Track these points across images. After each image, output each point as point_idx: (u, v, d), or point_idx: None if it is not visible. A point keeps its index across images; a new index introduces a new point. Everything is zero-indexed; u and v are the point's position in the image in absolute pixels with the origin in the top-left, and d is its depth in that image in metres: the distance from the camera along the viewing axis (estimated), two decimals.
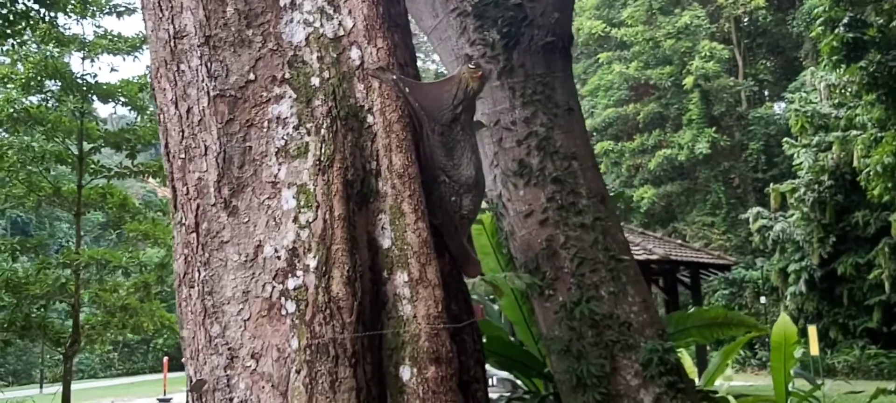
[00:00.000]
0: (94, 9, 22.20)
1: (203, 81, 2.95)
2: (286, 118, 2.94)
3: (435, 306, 2.76)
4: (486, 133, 6.74)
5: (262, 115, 2.95)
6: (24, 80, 20.72)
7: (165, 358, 28.69)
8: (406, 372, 2.73)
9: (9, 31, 14.27)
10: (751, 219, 27.49)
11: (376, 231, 2.91)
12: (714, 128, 32.88)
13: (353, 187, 2.88)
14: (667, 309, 18.56)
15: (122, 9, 22.57)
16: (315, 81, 2.97)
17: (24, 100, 20.85)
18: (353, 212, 2.86)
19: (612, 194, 7.90)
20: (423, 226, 2.82)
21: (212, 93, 2.94)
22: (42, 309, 21.04)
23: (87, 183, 21.92)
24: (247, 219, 2.90)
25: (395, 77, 2.93)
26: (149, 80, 23.95)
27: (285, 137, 2.93)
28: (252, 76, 2.97)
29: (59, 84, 21.86)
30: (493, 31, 6.76)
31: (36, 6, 15.00)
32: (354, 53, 3.02)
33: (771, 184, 28.12)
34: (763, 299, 28.18)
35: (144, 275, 22.48)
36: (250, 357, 2.83)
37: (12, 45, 18.05)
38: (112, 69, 30.66)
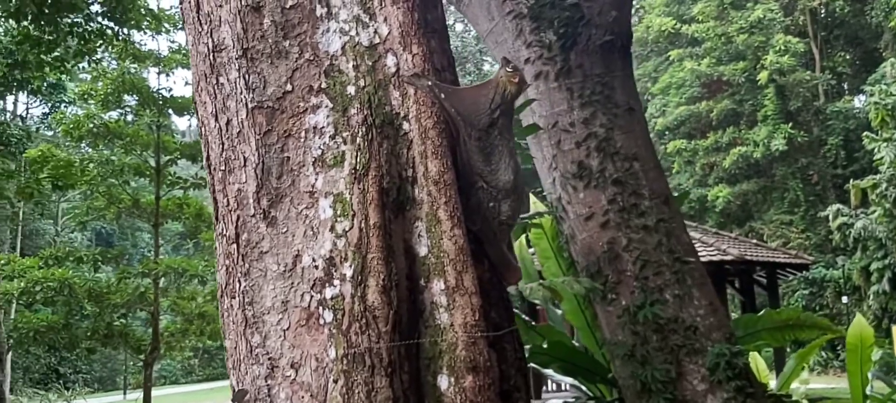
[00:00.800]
0: (168, 25, 22.82)
1: (241, 93, 2.98)
2: (323, 127, 2.95)
3: (472, 314, 2.72)
4: (544, 135, 6.68)
5: (299, 126, 2.96)
6: (103, 97, 21.41)
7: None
8: (444, 382, 2.71)
9: (85, 50, 14.73)
10: (830, 217, 26.59)
11: (413, 239, 2.89)
12: (790, 124, 31.93)
13: (388, 195, 2.87)
14: (743, 311, 18.09)
15: None
16: (351, 90, 2.97)
17: (103, 115, 21.54)
18: (390, 220, 2.85)
19: (676, 195, 7.73)
20: (460, 233, 2.79)
21: (250, 105, 2.97)
22: (123, 318, 21.66)
23: (165, 194, 22.53)
24: (285, 229, 2.92)
25: (430, 83, 2.90)
26: None
27: (322, 147, 2.93)
28: (289, 87, 2.98)
29: (137, 99, 22.53)
30: (550, 32, 6.70)
31: (111, 24, 15.42)
32: (390, 61, 3.00)
33: (851, 181, 27.18)
34: (845, 299, 27.24)
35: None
36: (290, 367, 2.84)
37: (91, 62, 18.65)
38: (186, 83, 31.34)
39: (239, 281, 2.94)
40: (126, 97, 22.62)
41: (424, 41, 2.97)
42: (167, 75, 23.09)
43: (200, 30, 3.06)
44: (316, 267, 2.85)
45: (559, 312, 7.96)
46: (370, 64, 3.00)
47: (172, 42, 23.44)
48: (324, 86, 2.98)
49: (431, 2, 3.22)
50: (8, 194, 22.39)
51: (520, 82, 3.00)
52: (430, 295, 2.81)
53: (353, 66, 2.99)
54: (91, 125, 20.73)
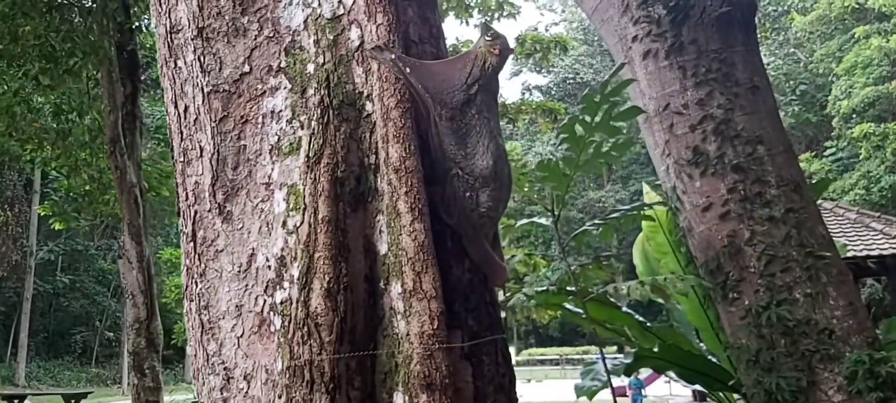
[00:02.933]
0: None
1: (197, 77, 2.72)
2: (280, 111, 2.64)
3: (430, 322, 2.33)
4: (655, 119, 6.09)
5: (256, 110, 2.67)
6: None
7: None
8: (399, 400, 2.34)
9: None
10: None
11: (375, 235, 2.53)
12: None
13: (344, 185, 2.52)
14: None
15: None
16: (310, 68, 2.64)
17: None
18: (345, 214, 2.50)
19: (813, 182, 6.90)
20: (421, 228, 2.40)
21: (206, 90, 2.70)
22: None
23: None
24: (241, 225, 2.64)
25: (393, 56, 2.53)
26: None
27: (279, 133, 2.63)
28: (246, 67, 2.70)
29: None
30: (658, 5, 6.11)
31: None
32: (354, 33, 2.65)
33: None
34: None
35: None
36: (243, 378, 2.56)
37: None
38: None
39: (196, 282, 2.69)
40: None
41: (391, 9, 2.59)
42: None
43: (159, 10, 2.83)
44: (269, 267, 2.56)
45: (682, 308, 7.34)
46: (331, 38, 2.66)
47: None
48: (283, 65, 2.67)
49: None
50: None
51: (501, 53, 2.57)
52: (390, 300, 2.45)
53: (314, 41, 2.66)
54: None
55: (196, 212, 2.70)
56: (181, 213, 2.78)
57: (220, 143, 2.67)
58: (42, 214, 22.79)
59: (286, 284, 2.48)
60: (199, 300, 2.66)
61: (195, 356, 2.70)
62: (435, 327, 2.33)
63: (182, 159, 2.76)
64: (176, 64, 2.77)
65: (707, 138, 5.81)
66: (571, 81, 54.56)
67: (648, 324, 7.07)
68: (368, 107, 2.59)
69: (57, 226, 17.93)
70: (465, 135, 2.54)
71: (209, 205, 2.67)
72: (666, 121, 6.05)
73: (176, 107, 2.78)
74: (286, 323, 2.44)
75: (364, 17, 2.60)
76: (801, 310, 5.32)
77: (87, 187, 15.12)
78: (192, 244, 2.71)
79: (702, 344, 7.08)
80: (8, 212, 35.49)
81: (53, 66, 11.04)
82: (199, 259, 2.68)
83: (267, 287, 2.54)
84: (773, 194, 5.60)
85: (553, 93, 53.31)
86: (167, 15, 2.79)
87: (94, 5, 11.49)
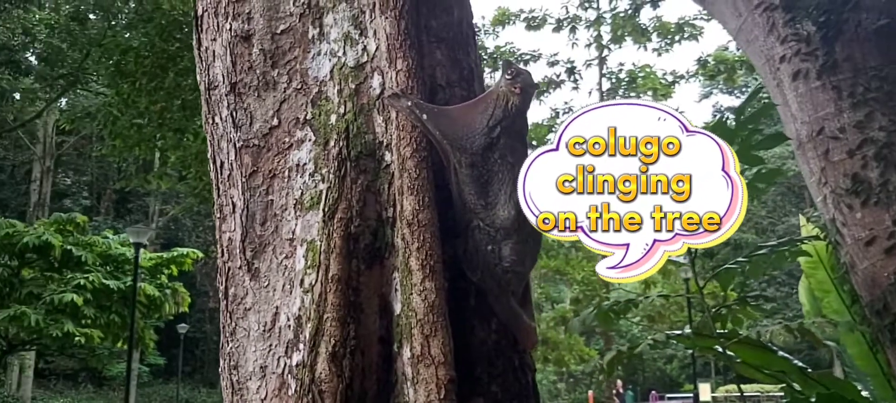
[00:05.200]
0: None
1: (230, 132, 2.69)
2: (305, 164, 2.56)
3: (437, 391, 2.15)
4: (809, 146, 5.57)
5: (283, 164, 2.61)
6: None
7: (590, 393, 28.97)
8: None
9: None
10: None
11: (390, 293, 2.39)
12: None
13: (358, 241, 2.39)
14: None
15: (528, 57, 23.61)
16: (333, 119, 2.55)
17: None
18: (359, 271, 2.37)
19: None
20: (431, 287, 2.23)
21: (238, 145, 2.67)
22: None
23: None
24: (267, 283, 2.57)
25: (410, 103, 2.38)
26: (556, 123, 24.69)
27: (302, 186, 2.55)
28: (275, 121, 2.64)
29: None
30: (808, 22, 5.61)
31: None
32: (376, 81, 2.54)
33: None
34: None
35: (560, 310, 23.06)
36: None
37: None
38: None
39: (227, 341, 2.64)
40: None
41: (412, 54, 2.45)
42: None
43: (201, 68, 2.84)
44: (289, 326, 2.47)
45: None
46: (353, 87, 2.56)
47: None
48: (309, 117, 2.60)
49: (440, 4, 2.67)
50: None
51: (523, 90, 2.36)
52: (402, 365, 2.28)
53: (338, 90, 2.57)
54: None
55: (229, 269, 2.67)
56: (219, 271, 2.75)
57: (249, 199, 2.62)
58: None
59: (301, 346, 2.38)
60: (230, 359, 2.61)
61: None
62: (441, 396, 2.14)
63: (219, 215, 2.74)
64: (213, 120, 2.77)
65: (868, 164, 5.24)
66: (767, 97, 51.74)
67: (809, 370, 6.42)
68: (387, 157, 2.46)
69: None
70: (486, 182, 2.35)
71: (239, 262, 2.62)
72: (821, 147, 5.51)
73: (214, 162, 2.77)
74: (298, 388, 2.33)
75: (386, 63, 2.48)
76: None
77: None
78: (224, 301, 2.67)
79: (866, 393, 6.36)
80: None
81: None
82: (230, 317, 2.64)
83: (287, 348, 2.45)
84: None
85: None
86: (206, 72, 2.80)
87: None
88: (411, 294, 2.25)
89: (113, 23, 17.64)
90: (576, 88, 24.11)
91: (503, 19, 22.92)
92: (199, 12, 2.84)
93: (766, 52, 5.94)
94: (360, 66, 2.57)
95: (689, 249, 5.55)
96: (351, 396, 2.25)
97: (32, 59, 22.43)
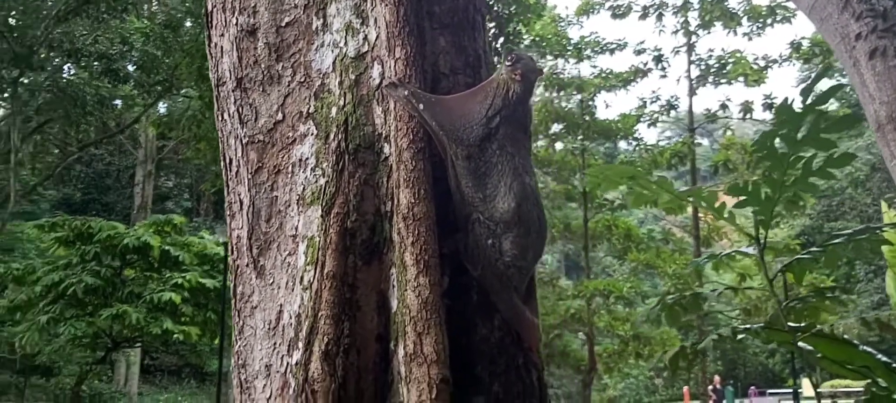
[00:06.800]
0: (589, 51, 23.16)
1: (237, 129, 2.66)
2: (307, 159, 2.51)
3: (428, 391, 2.06)
4: (889, 128, 5.22)
5: (287, 159, 2.56)
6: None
7: (685, 389, 28.22)
8: None
9: None
10: None
11: (389, 289, 2.31)
12: None
13: (355, 236, 2.32)
14: None
15: (614, 46, 23.22)
16: (333, 111, 2.48)
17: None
18: (356, 267, 2.30)
19: None
20: (425, 283, 2.14)
21: (244, 141, 2.64)
22: (557, 337, 22.27)
23: (592, 217, 22.77)
24: (271, 280, 2.52)
25: (407, 92, 2.30)
26: (644, 112, 24.18)
27: (304, 182, 2.50)
28: (280, 115, 2.59)
29: (562, 126, 23.20)
30: None
31: None
32: (376, 71, 2.46)
33: None
34: None
35: (651, 304, 22.52)
36: None
37: None
38: (607, 105, 31.37)
39: (236, 339, 2.61)
40: (552, 125, 23.45)
41: (411, 42, 2.36)
42: (591, 100, 23.36)
43: (211, 64, 2.82)
44: (291, 325, 2.42)
45: None
46: (353, 78, 2.49)
47: (594, 66, 23.78)
48: (312, 110, 2.54)
49: None
50: None
51: (524, 77, 2.24)
52: (397, 363, 2.20)
53: (339, 82, 2.51)
54: None
55: (238, 267, 2.63)
56: (230, 269, 2.72)
57: (255, 195, 2.59)
58: None
59: (300, 344, 2.32)
60: (238, 357, 2.57)
61: None
62: (433, 396, 2.05)
63: (229, 213, 2.71)
64: (223, 116, 2.74)
65: None
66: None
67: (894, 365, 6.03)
68: (386, 149, 2.38)
69: None
70: (484, 174, 2.24)
71: (246, 259, 2.59)
72: None
73: (224, 159, 2.74)
74: (297, 387, 2.28)
75: (385, 52, 2.40)
76: None
77: None
78: (234, 299, 2.64)
79: None
80: None
81: None
82: (238, 315, 2.61)
83: (289, 347, 2.40)
84: None
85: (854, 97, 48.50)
86: (216, 68, 2.78)
87: None
88: (406, 290, 2.16)
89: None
90: (664, 76, 23.58)
91: (588, 8, 22.56)
92: (209, 8, 2.82)
93: (840, 29, 5.58)
94: (360, 56, 2.50)
95: (756, 239, 5.31)
96: (345, 396, 2.18)
97: (130, 67, 23.26)
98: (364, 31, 2.51)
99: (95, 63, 22.94)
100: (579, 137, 22.76)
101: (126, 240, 17.83)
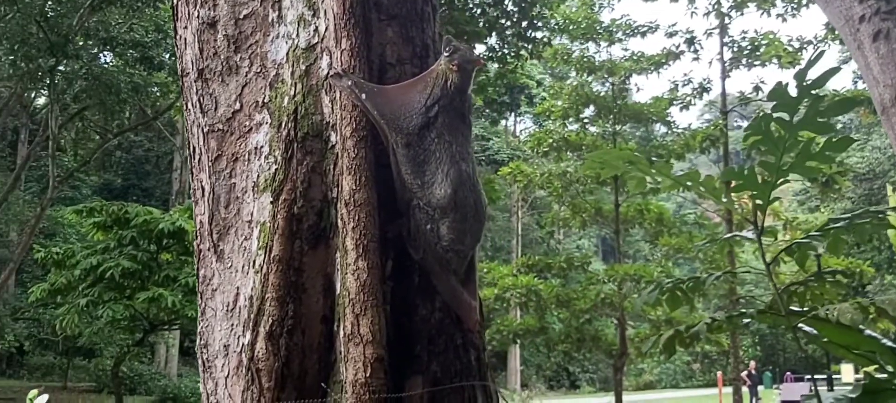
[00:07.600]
0: (621, 34, 23.00)
1: (199, 118, 2.76)
2: (262, 147, 2.60)
3: (363, 370, 2.15)
4: (893, 110, 5.18)
5: (244, 147, 2.65)
6: (561, 112, 22.38)
7: (719, 374, 28.04)
8: None
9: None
10: None
11: (335, 273, 2.39)
12: None
13: (302, 221, 2.41)
14: None
15: (645, 29, 23.03)
16: (285, 101, 2.57)
17: (561, 130, 22.47)
18: (302, 251, 2.40)
19: None
20: (364, 266, 2.22)
21: (205, 130, 2.73)
22: (588, 322, 22.24)
23: (624, 201, 22.67)
24: (230, 264, 2.62)
25: (350, 82, 2.37)
26: (677, 95, 23.96)
27: (259, 169, 2.58)
28: (238, 105, 2.68)
29: (593, 110, 23.10)
30: None
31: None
32: (324, 62, 2.54)
33: None
34: None
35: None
36: None
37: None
38: (638, 89, 31.11)
39: (199, 320, 2.72)
40: (584, 109, 23.35)
41: (356, 33, 2.43)
42: (624, 82, 23.20)
43: (177, 55, 2.92)
44: (245, 306, 2.51)
45: None
46: (304, 68, 2.57)
47: (625, 50, 23.59)
48: (267, 100, 2.63)
49: None
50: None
51: (461, 68, 2.30)
52: (339, 344, 2.29)
53: (291, 72, 2.59)
54: (551, 140, 21.82)
55: (200, 251, 2.74)
56: (194, 254, 2.83)
57: (215, 182, 2.68)
58: None
59: (252, 325, 2.42)
60: (201, 338, 2.68)
61: (202, 396, 2.72)
62: (367, 375, 2.14)
63: (193, 199, 2.81)
64: (187, 106, 2.84)
65: None
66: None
67: None
68: (333, 137, 2.46)
69: None
70: (423, 162, 2.31)
71: (208, 244, 2.69)
72: None
73: (189, 147, 2.85)
74: (246, 366, 2.38)
75: (333, 43, 2.47)
76: None
77: None
78: (198, 282, 2.74)
79: None
80: None
81: None
82: (201, 297, 2.71)
83: (244, 327, 2.50)
84: None
85: None
86: (181, 59, 2.88)
87: None
88: (346, 273, 2.25)
89: None
90: (696, 59, 23.31)
91: None
92: (175, 2, 2.92)
93: (844, 11, 5.55)
94: (310, 47, 2.58)
95: (754, 224, 5.34)
96: (288, 374, 2.28)
97: (165, 55, 23.62)
98: (315, 23, 2.59)
99: (130, 51, 23.35)
100: (611, 121, 22.63)
101: (162, 225, 18.15)
